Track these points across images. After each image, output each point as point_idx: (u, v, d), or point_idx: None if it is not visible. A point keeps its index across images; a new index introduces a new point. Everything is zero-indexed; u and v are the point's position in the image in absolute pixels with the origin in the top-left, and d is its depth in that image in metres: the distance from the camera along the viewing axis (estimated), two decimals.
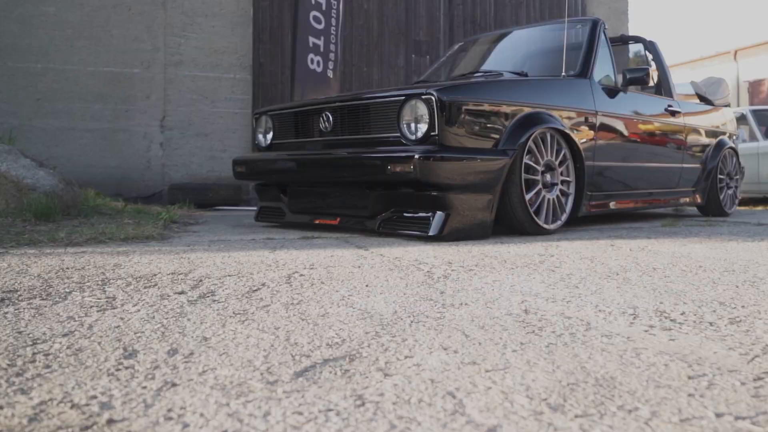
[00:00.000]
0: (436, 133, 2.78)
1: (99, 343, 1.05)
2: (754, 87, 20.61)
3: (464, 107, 2.86)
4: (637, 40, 4.66)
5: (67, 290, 1.53)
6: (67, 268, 1.89)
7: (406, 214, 2.92)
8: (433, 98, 2.77)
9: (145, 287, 1.58)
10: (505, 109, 3.05)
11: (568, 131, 3.30)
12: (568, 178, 3.37)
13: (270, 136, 3.68)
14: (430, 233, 2.77)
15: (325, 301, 1.42)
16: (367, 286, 1.62)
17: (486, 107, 2.97)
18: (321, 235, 3.09)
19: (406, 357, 0.97)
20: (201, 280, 1.69)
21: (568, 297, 1.49)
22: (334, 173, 3.06)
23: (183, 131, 7.03)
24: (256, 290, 1.56)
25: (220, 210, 5.90)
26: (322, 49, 5.80)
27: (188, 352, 1.00)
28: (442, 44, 7.75)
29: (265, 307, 1.36)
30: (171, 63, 7.06)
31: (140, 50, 6.93)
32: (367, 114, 3.06)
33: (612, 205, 3.80)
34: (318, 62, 5.75)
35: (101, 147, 6.80)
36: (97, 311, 1.30)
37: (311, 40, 5.69)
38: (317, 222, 3.32)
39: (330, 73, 5.85)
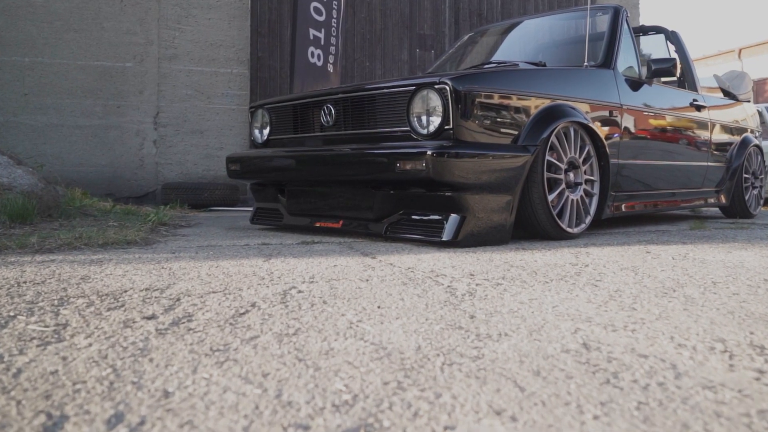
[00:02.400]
0: (451, 126, 2.49)
1: (19, 402, 0.76)
2: (759, 86, 20.35)
3: (481, 98, 2.57)
4: (658, 30, 4.37)
5: (12, 314, 1.24)
6: (25, 282, 1.60)
7: (415, 217, 2.64)
8: (447, 88, 2.48)
9: (108, 309, 1.30)
10: (525, 100, 2.76)
11: (592, 126, 3.02)
12: (592, 177, 3.08)
13: (267, 131, 3.39)
14: (444, 238, 2.48)
15: (328, 330, 1.13)
16: (379, 307, 1.34)
17: (504, 99, 2.69)
18: (322, 239, 2.80)
19: (446, 429, 0.69)
20: (178, 299, 1.40)
21: (629, 323, 1.20)
22: (336, 172, 2.77)
23: (177, 128, 6.74)
24: (243, 313, 1.27)
25: (216, 211, 5.61)
26: (322, 42, 5.50)
27: (137, 420, 0.71)
28: (447, 38, 7.46)
29: (253, 339, 1.07)
30: (165, 57, 6.77)
31: (133, 43, 6.64)
32: (373, 106, 2.77)
33: (637, 206, 3.51)
34: (318, 56, 5.47)
35: (91, 145, 6.51)
36: (37, 346, 1.01)
37: (311, 32, 5.40)
38: (318, 225, 3.03)
39: (330, 68, 5.55)
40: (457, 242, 2.48)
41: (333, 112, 2.93)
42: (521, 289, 1.57)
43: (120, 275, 1.74)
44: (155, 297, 1.43)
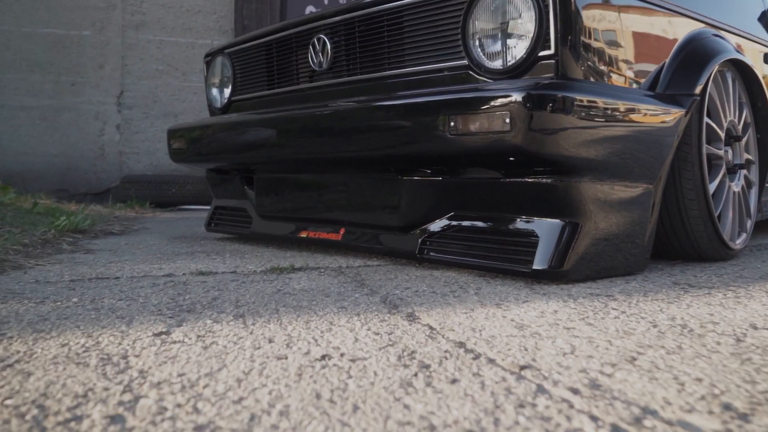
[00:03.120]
0: (553, 52, 1.30)
1: None
2: None
3: (599, 8, 1.39)
4: None
5: None
6: None
7: (477, 225, 1.46)
8: None
9: None
10: (665, 20, 1.58)
11: (756, 72, 1.84)
12: (750, 157, 1.90)
13: (228, 90, 2.22)
14: (537, 267, 1.30)
15: None
16: None
17: (641, 12, 1.50)
18: (308, 263, 1.62)
19: None
20: None
21: None
22: (338, 144, 1.59)
23: (146, 111, 5.57)
24: None
25: (185, 210, 4.44)
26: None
27: None
28: None
29: None
30: (131, 24, 5.59)
31: (91, 7, 5.47)
32: (397, 30, 1.59)
33: None
34: None
35: (40, 130, 5.34)
36: None
37: None
38: (304, 235, 1.85)
39: None
40: (562, 273, 1.30)
41: (329, 47, 1.75)
42: None
43: None
44: None
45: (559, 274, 1.31)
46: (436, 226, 1.52)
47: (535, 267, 1.30)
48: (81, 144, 5.43)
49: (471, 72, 1.43)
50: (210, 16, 5.80)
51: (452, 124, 1.28)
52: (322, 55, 1.78)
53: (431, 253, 1.50)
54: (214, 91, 2.28)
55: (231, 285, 1.29)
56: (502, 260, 1.36)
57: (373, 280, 1.35)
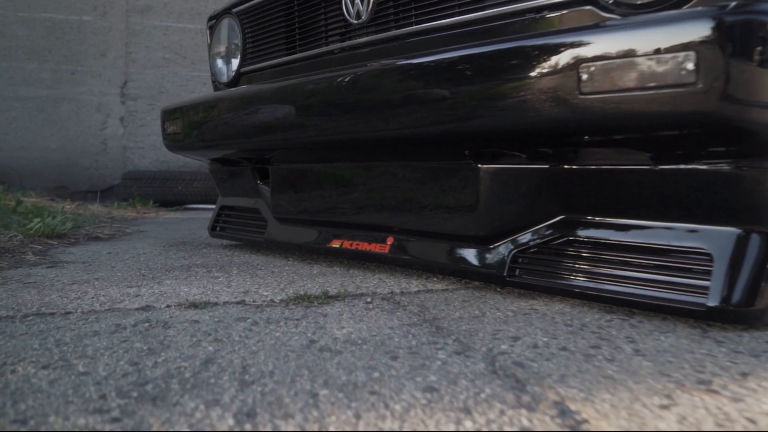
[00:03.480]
0: None
1: None
2: None
3: None
4: None
5: None
6: None
7: (605, 235, 0.98)
8: None
9: None
10: None
11: None
12: None
13: (237, 60, 1.75)
14: (712, 303, 0.82)
15: None
16: None
17: None
18: (346, 286, 1.16)
19: None
20: None
21: None
22: (387, 118, 1.12)
23: (152, 102, 5.15)
24: None
25: (191, 210, 4.01)
26: None
27: None
28: None
29: None
30: (135, 9, 5.18)
31: None
32: None
33: None
34: None
35: (37, 122, 4.94)
36: None
37: None
38: (336, 246, 1.39)
39: None
40: (753, 314, 0.83)
41: None
42: None
43: None
44: None
45: (747, 315, 0.83)
46: (534, 235, 1.05)
47: (711, 304, 0.83)
48: (82, 138, 5.02)
49: (593, 6, 0.95)
50: (220, 1, 5.36)
51: (585, 77, 0.81)
52: (361, 3, 1.32)
53: (528, 276, 1.03)
54: (220, 63, 1.83)
55: (236, 330, 0.82)
56: (651, 290, 0.89)
57: (450, 320, 0.88)
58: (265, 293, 1.09)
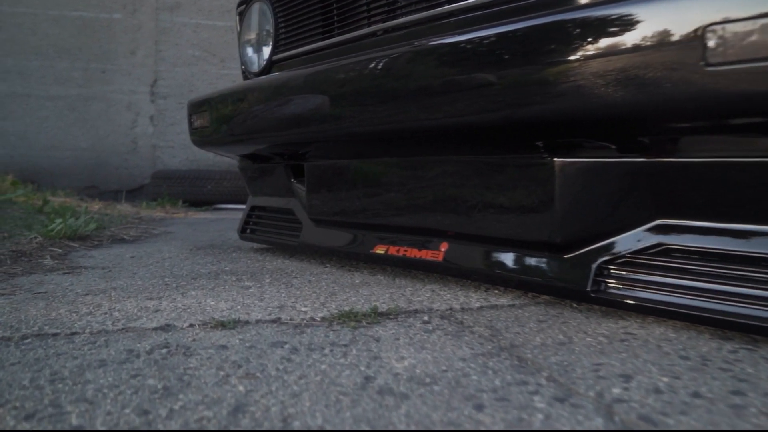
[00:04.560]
0: None
1: None
2: None
3: None
4: None
5: None
6: None
7: (714, 243, 0.80)
8: None
9: None
10: None
11: None
12: None
13: (269, 48, 1.61)
14: None
15: None
16: None
17: None
18: (396, 300, 1.00)
19: None
20: None
21: None
22: (445, 104, 0.96)
23: (182, 100, 5.07)
24: None
25: (221, 210, 3.90)
26: None
27: None
28: None
29: None
30: (165, 6, 5.11)
31: None
32: None
33: None
34: None
35: (68, 121, 4.90)
36: None
37: None
38: (381, 252, 1.23)
39: None
40: None
41: None
42: None
43: None
44: None
45: None
46: (624, 243, 0.87)
47: None
48: (112, 137, 4.97)
49: None
50: None
51: (712, 44, 0.63)
52: None
53: (617, 291, 0.86)
54: (250, 51, 1.69)
55: (272, 360, 0.67)
56: None
57: (533, 348, 0.71)
58: (303, 309, 0.93)
